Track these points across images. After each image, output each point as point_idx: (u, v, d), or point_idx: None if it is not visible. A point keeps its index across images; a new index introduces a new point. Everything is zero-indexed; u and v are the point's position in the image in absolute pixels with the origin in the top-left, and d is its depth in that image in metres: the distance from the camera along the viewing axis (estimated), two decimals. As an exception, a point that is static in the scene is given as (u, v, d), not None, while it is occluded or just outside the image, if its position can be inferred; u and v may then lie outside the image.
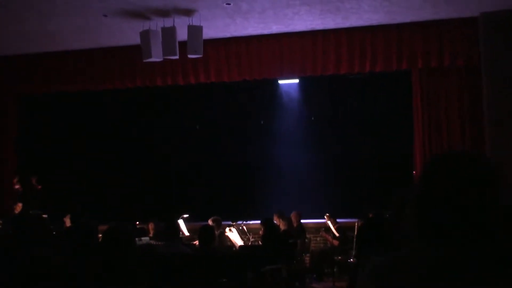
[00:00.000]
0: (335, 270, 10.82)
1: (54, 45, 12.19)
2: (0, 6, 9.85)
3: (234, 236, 10.54)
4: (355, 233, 10.98)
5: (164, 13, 10.21)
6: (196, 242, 8.57)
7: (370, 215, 6.99)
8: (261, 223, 9.76)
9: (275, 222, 10.57)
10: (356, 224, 11.13)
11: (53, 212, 11.72)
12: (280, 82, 14.32)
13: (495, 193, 1.44)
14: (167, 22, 10.37)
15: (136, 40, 10.74)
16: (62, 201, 13.42)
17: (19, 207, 12.85)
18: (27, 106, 13.91)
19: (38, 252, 4.28)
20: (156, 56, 10.49)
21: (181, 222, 11.12)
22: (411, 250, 1.47)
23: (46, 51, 12.54)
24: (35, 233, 4.53)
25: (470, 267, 1.38)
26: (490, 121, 10.59)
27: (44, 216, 11.05)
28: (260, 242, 10.36)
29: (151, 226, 11.62)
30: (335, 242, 11.37)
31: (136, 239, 8.68)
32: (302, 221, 11.85)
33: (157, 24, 10.45)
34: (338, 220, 11.76)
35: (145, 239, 10.11)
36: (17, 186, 13.98)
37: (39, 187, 14.27)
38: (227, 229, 10.56)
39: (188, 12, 10.19)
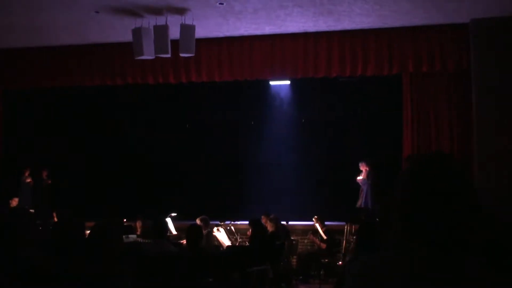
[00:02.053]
0: (321, 272, 10.82)
1: (43, 40, 12.14)
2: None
3: (221, 236, 10.52)
4: (345, 236, 11.01)
5: (156, 11, 10.19)
6: (184, 241, 8.55)
7: (363, 218, 7.02)
8: (249, 224, 9.76)
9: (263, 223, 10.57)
10: (345, 227, 11.15)
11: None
12: (272, 83, 14.32)
13: (471, 195, 1.47)
14: (160, 20, 10.34)
15: (127, 37, 10.71)
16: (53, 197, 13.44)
17: (15, 201, 12.73)
18: (13, 101, 13.82)
19: (21, 249, 4.25)
20: (148, 54, 10.46)
21: (169, 220, 11.10)
22: (396, 251, 1.49)
23: (35, 46, 12.48)
24: (19, 228, 4.50)
25: (451, 269, 1.41)
26: (478, 125, 10.67)
27: (31, 211, 11.02)
28: (247, 243, 10.36)
29: (138, 224, 11.60)
30: (323, 245, 11.38)
31: (123, 236, 8.66)
32: (291, 223, 11.90)
33: (149, 22, 10.43)
34: (326, 223, 11.77)
35: (132, 236, 10.08)
36: (28, 180, 13.92)
37: (49, 181, 14.22)
38: (215, 229, 10.55)
39: (181, 11, 10.17)
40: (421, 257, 1.43)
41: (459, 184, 1.48)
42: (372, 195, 12.53)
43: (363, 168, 12.80)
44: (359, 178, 12.76)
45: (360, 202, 12.67)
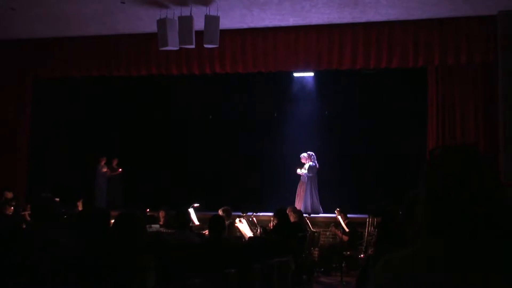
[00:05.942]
0: (343, 265, 10.81)
1: (71, 30, 12.24)
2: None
3: (243, 227, 10.55)
4: (367, 228, 10.98)
5: (181, 2, 10.23)
6: (206, 232, 8.60)
7: (387, 211, 6.91)
8: (274, 214, 9.75)
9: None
10: (367, 220, 11.11)
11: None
12: (295, 75, 14.28)
13: (496, 187, 1.45)
14: (185, 11, 10.37)
15: (152, 27, 10.76)
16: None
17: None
18: (42, 90, 13.94)
19: (49, 234, 4.32)
20: (172, 45, 10.51)
21: (191, 211, 11.16)
22: (422, 246, 1.48)
23: (62, 36, 12.59)
24: (45, 215, 4.58)
25: (478, 262, 1.40)
26: (505, 119, 10.52)
27: (56, 199, 11.14)
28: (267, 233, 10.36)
29: (161, 214, 11.67)
30: (345, 237, 11.35)
31: (147, 226, 8.73)
32: (313, 215, 11.95)
33: (174, 13, 10.47)
34: (348, 215, 11.74)
35: (155, 226, 10.15)
36: (104, 169, 14.03)
37: (120, 170, 14.35)
38: (237, 220, 10.57)
39: (206, 2, 10.19)
40: (449, 253, 1.42)
41: (483, 178, 1.46)
42: (312, 189, 13.01)
43: (304, 161, 13.13)
44: (299, 171, 13.17)
45: (298, 195, 13.18)
